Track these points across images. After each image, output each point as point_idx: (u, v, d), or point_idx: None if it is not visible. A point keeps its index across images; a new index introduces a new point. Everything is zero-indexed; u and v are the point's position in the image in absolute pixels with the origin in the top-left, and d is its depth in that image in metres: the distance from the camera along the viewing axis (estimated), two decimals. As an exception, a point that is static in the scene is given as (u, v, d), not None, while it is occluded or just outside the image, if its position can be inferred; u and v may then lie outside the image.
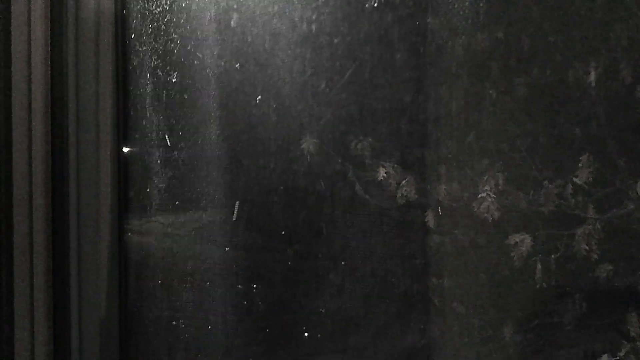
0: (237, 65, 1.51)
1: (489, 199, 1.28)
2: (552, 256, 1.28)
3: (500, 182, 1.28)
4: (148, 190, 1.62)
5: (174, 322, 1.59)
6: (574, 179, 1.25)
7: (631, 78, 1.19)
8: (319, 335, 1.46)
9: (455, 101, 1.31)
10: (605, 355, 1.29)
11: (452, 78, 1.31)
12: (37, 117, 1.57)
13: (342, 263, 1.41)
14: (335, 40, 1.38)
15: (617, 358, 1.29)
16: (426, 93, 1.33)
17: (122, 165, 1.65)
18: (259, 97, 1.47)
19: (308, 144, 1.41)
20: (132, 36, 1.64)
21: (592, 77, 1.21)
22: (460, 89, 1.30)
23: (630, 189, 1.24)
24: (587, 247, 1.27)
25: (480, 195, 1.29)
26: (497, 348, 1.32)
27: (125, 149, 1.66)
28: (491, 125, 1.29)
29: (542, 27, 1.22)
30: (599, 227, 1.26)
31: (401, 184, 1.33)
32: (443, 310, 1.36)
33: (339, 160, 1.39)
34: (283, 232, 1.46)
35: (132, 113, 1.65)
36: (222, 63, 1.53)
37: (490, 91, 1.27)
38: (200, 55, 1.55)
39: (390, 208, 1.35)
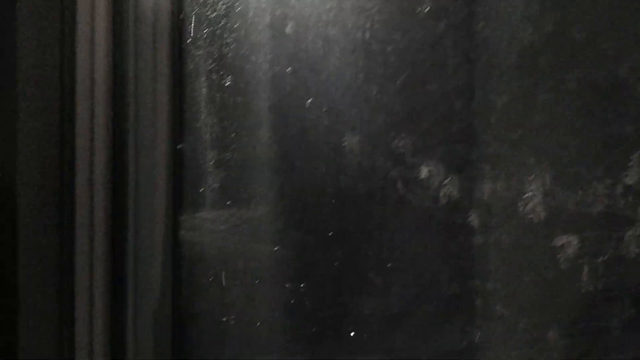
0: (288, 70, 1.52)
1: (535, 199, 1.25)
2: (600, 258, 1.24)
3: (548, 181, 1.25)
4: (202, 189, 1.67)
5: (224, 319, 1.62)
6: (624, 179, 1.21)
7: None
8: (364, 335, 1.46)
9: (501, 97, 1.28)
10: (655, 362, 1.25)
11: (499, 73, 1.29)
12: (99, 117, 1.64)
13: (384, 263, 1.40)
14: (388, 48, 1.38)
15: (667, 365, 1.24)
16: (472, 89, 1.31)
17: (177, 165, 1.69)
18: (310, 100, 1.48)
19: (351, 142, 1.40)
20: (189, 40, 1.69)
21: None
22: (507, 84, 1.28)
23: (683, 190, 1.20)
24: (636, 250, 1.23)
25: (526, 195, 1.26)
26: (542, 351, 1.29)
27: (180, 150, 1.71)
28: (539, 122, 1.26)
29: (594, 20, 1.19)
30: (650, 229, 1.22)
31: (444, 183, 1.31)
32: (486, 313, 1.34)
33: (382, 159, 1.38)
34: (330, 233, 1.47)
35: (187, 115, 1.69)
36: (277, 68, 1.55)
37: (539, 87, 1.25)
38: (254, 60, 1.58)
39: (433, 207, 1.33)
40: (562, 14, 1.24)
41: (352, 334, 1.47)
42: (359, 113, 1.45)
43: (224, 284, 1.62)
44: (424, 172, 1.34)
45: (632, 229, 1.25)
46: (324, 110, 1.51)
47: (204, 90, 1.68)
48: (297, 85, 1.56)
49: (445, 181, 1.33)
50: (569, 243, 1.26)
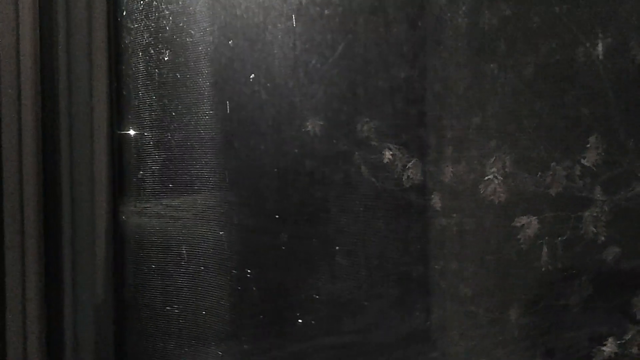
0: (230, 43, 1.47)
1: (496, 181, 1.27)
2: (559, 239, 1.27)
3: (507, 163, 1.27)
4: (142, 172, 1.59)
5: (167, 308, 1.57)
6: (582, 161, 1.24)
7: (640, 57, 1.18)
8: (324, 320, 1.46)
9: (462, 81, 1.30)
10: (611, 338, 1.28)
11: (458, 57, 1.30)
12: (26, 95, 1.53)
13: (347, 246, 1.41)
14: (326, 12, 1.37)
15: (623, 341, 1.28)
16: (432, 74, 1.32)
17: (115, 147, 1.61)
18: (252, 75, 1.44)
19: (312, 125, 1.40)
20: (124, 13, 1.60)
21: (601, 55, 1.20)
22: (467, 68, 1.29)
23: (638, 170, 1.23)
24: (594, 230, 1.26)
25: (486, 177, 1.28)
26: (503, 330, 1.32)
27: (119, 131, 1.62)
28: (498, 105, 1.28)
29: (551, 3, 1.21)
30: (607, 209, 1.25)
31: (407, 166, 1.33)
32: (448, 293, 1.36)
33: (335, 141, 1.38)
34: (277, 216, 1.44)
35: (124, 93, 1.61)
36: (212, 39, 1.49)
37: (497, 71, 1.27)
38: (193, 32, 1.51)
39: (396, 190, 1.34)
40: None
41: (300, 320, 1.45)
42: (299, 87, 1.42)
43: (183, 261, 1.55)
44: (387, 155, 1.35)
45: (590, 209, 1.28)
46: (266, 84, 1.45)
47: (141, 67, 1.58)
48: (239, 58, 1.48)
49: (409, 164, 1.34)
50: (528, 224, 1.29)
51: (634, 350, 1.29)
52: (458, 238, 1.34)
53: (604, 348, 1.29)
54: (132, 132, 1.63)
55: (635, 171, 1.23)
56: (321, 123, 1.38)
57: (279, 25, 1.41)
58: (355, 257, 1.41)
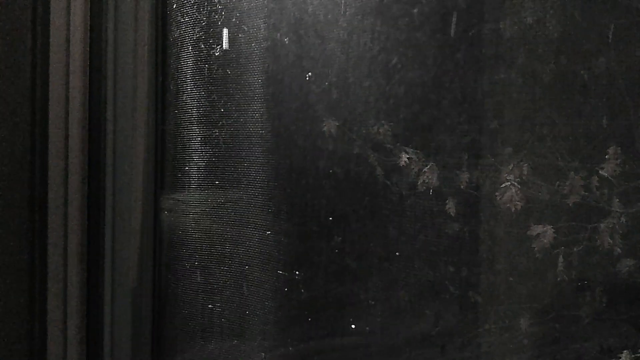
0: (286, 40, 1.44)
1: (513, 189, 1.27)
2: (575, 249, 1.26)
3: (525, 171, 1.26)
4: (186, 168, 1.58)
5: (210, 306, 1.56)
6: (600, 171, 1.23)
7: (663, 69, 1.16)
8: (336, 318, 1.46)
9: (480, 87, 1.29)
10: (626, 351, 1.27)
11: (478, 64, 1.29)
12: (74, 91, 1.54)
13: (363, 250, 1.40)
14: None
15: (638, 355, 1.27)
16: (451, 79, 1.31)
17: (159, 141, 1.59)
18: (309, 74, 1.42)
19: (329, 127, 1.39)
20: (174, 6, 1.58)
21: (621, 66, 1.19)
22: (486, 75, 1.28)
23: (656, 184, 1.22)
24: (610, 241, 1.25)
25: (503, 185, 1.27)
26: (513, 338, 1.31)
27: (163, 126, 1.61)
28: (517, 113, 1.27)
29: (573, 13, 1.20)
30: (624, 221, 1.24)
31: (423, 171, 1.32)
32: (460, 299, 1.35)
33: (359, 145, 1.37)
34: (331, 218, 1.43)
35: (171, 88, 1.59)
36: (273, 36, 1.45)
37: (517, 78, 1.26)
38: (246, 28, 1.48)
39: (411, 195, 1.34)
40: (541, 6, 1.25)
41: (352, 325, 1.44)
42: (374, 86, 1.38)
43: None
44: (403, 159, 1.35)
45: (606, 220, 1.27)
46: (329, 84, 1.41)
47: (190, 61, 1.55)
48: (297, 56, 1.44)
49: (425, 169, 1.33)
50: (544, 233, 1.28)
51: (647, 363, 1.28)
52: (472, 244, 1.33)
53: (616, 361, 1.28)
54: (176, 128, 1.62)
55: (654, 184, 1.22)
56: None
57: (342, 22, 1.38)
58: (368, 261, 1.41)
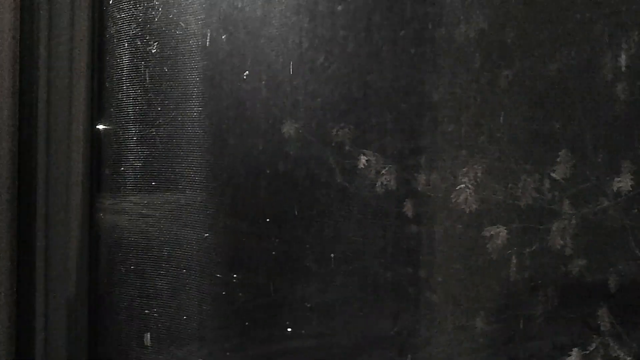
0: (223, 37, 1.43)
1: (468, 191, 1.29)
2: (527, 249, 1.30)
3: (479, 174, 1.29)
4: (123, 168, 1.55)
5: (146, 311, 1.54)
6: (552, 174, 1.27)
7: (612, 74, 1.20)
8: (299, 325, 1.47)
9: (438, 91, 1.32)
10: (576, 349, 1.31)
11: (435, 69, 1.32)
12: (4, 88, 1.50)
13: (321, 251, 1.42)
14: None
15: (587, 352, 1.31)
16: (410, 82, 1.34)
17: (95, 141, 1.57)
18: (246, 72, 1.42)
19: (289, 128, 1.40)
20: (110, 1, 1.56)
21: (573, 72, 1.23)
22: (443, 79, 1.31)
23: (606, 186, 1.26)
24: (561, 242, 1.28)
25: (458, 187, 1.30)
26: (469, 337, 1.34)
27: (99, 124, 1.58)
28: (472, 117, 1.30)
29: (526, 19, 1.24)
30: (574, 222, 1.27)
31: (381, 173, 1.34)
32: (417, 300, 1.37)
33: (320, 147, 1.39)
34: (268, 219, 1.44)
35: (107, 85, 1.57)
36: (205, 32, 1.43)
37: (472, 83, 1.29)
38: (184, 25, 1.47)
39: (370, 197, 1.36)
40: (495, 12, 1.28)
41: (288, 326, 1.44)
42: (303, 85, 1.38)
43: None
44: (362, 161, 1.37)
45: (558, 221, 1.30)
46: (264, 82, 1.40)
47: (126, 59, 1.53)
48: (233, 53, 1.43)
49: (383, 171, 1.36)
50: (497, 234, 1.31)
51: (597, 361, 1.31)
52: (428, 246, 1.36)
53: (568, 359, 1.31)
54: (113, 127, 1.59)
55: (603, 186, 1.26)
56: (297, 126, 1.38)
57: (281, 19, 1.38)
58: (326, 261, 1.43)
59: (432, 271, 1.35)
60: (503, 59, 1.27)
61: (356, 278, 1.40)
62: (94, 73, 1.55)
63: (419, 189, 1.33)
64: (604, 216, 1.27)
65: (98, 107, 1.55)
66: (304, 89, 1.38)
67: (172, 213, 1.52)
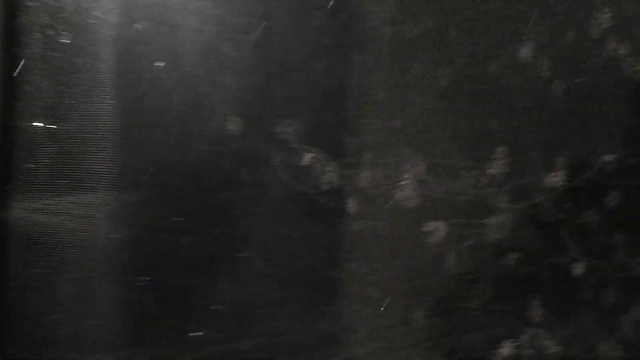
0: (137, 26, 1.40)
1: (410, 187, 1.33)
2: (465, 244, 1.35)
3: (422, 170, 1.33)
4: (32, 166, 1.49)
5: (54, 316, 1.49)
6: (489, 170, 1.33)
7: (549, 73, 1.28)
8: (228, 324, 1.45)
9: (382, 90, 1.36)
10: (509, 340, 1.36)
11: (379, 67, 1.36)
12: None
13: (263, 248, 1.42)
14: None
15: (519, 343, 1.36)
16: (354, 80, 1.37)
17: (3, 137, 1.50)
18: (157, 62, 1.40)
19: (231, 122, 1.40)
20: None
21: (512, 70, 1.30)
22: (387, 78, 1.35)
23: (540, 182, 1.33)
24: (497, 236, 1.34)
25: (401, 183, 1.34)
26: (408, 331, 1.37)
27: (6, 118, 1.51)
28: (415, 115, 1.35)
29: (468, 18, 1.30)
30: (510, 216, 1.34)
31: (326, 170, 1.36)
32: (358, 296, 1.39)
33: (258, 141, 1.39)
34: (183, 218, 1.41)
35: (17, 78, 1.51)
36: (119, 21, 1.42)
37: (415, 81, 1.34)
38: (96, 13, 1.43)
39: (315, 194, 1.37)
40: (439, 12, 1.34)
41: (200, 333, 1.42)
42: (211, 76, 1.37)
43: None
44: (307, 158, 1.38)
45: (494, 216, 1.37)
46: (175, 73, 1.38)
47: (37, 49, 1.44)
48: (146, 43, 1.40)
49: (328, 168, 1.38)
50: (437, 229, 1.36)
51: (528, 351, 1.37)
52: (370, 242, 1.39)
53: (500, 350, 1.37)
54: (21, 122, 1.53)
55: (538, 182, 1.33)
56: (237, 118, 1.37)
57: (191, 6, 1.37)
58: (267, 260, 1.42)
59: (374, 267, 1.38)
60: (445, 57, 1.32)
61: (299, 276, 1.40)
62: (3, 64, 1.48)
63: (363, 185, 1.36)
64: (538, 211, 1.34)
65: (8, 100, 1.49)
66: (221, 82, 1.36)
67: (81, 213, 1.47)
